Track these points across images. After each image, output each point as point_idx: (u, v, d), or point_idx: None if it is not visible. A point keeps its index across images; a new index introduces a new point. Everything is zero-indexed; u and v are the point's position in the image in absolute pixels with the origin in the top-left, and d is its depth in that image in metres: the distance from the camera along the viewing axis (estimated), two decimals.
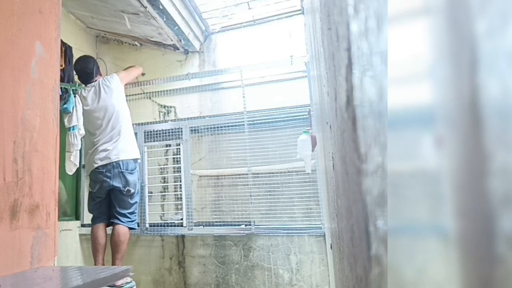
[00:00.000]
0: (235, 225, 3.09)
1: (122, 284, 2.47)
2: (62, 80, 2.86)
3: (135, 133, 3.38)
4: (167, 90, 3.50)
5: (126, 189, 2.75)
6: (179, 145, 3.31)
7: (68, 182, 3.40)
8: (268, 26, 3.41)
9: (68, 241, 3.21)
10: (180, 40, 3.42)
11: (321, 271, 2.87)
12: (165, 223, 3.22)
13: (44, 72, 1.57)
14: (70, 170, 3.13)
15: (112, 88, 2.92)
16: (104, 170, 2.75)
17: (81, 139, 3.24)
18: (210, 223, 3.17)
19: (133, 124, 3.46)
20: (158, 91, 3.49)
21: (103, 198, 2.83)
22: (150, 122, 3.48)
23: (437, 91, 0.33)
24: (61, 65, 2.92)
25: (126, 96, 3.58)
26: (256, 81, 3.26)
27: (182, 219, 3.19)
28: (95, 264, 2.75)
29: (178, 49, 3.55)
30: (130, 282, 2.55)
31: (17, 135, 1.39)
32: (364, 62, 0.39)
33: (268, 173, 3.07)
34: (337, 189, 0.70)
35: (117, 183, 2.73)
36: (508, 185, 0.26)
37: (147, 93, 3.54)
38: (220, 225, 3.12)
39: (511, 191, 0.26)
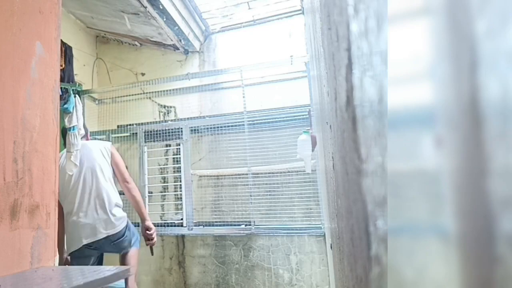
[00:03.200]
0: (235, 225, 3.09)
1: None
2: (62, 80, 2.87)
3: (135, 133, 3.38)
4: (167, 90, 3.50)
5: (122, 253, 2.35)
6: (179, 145, 3.32)
7: None
8: (268, 26, 3.41)
9: None
10: (180, 40, 3.42)
11: (321, 271, 2.87)
12: (165, 223, 3.22)
13: (44, 72, 1.57)
14: (70, 170, 3.13)
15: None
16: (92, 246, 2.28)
17: (81, 139, 3.24)
18: (210, 223, 3.17)
19: (133, 124, 3.47)
20: (158, 91, 3.49)
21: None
22: (150, 122, 3.48)
23: (437, 91, 0.33)
24: (61, 65, 2.93)
25: (126, 96, 3.59)
26: (256, 81, 3.26)
27: (182, 219, 3.19)
28: None
29: (178, 49, 3.55)
30: None
31: (17, 135, 1.39)
32: (364, 62, 0.39)
33: (268, 173, 3.07)
34: (337, 189, 0.70)
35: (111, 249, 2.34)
36: (508, 185, 0.26)
37: (147, 93, 3.54)
38: (220, 225, 3.12)
39: (511, 191, 0.26)
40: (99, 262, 2.42)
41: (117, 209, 2.32)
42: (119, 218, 2.29)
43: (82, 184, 2.35)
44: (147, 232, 2.39)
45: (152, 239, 2.40)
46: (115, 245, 2.29)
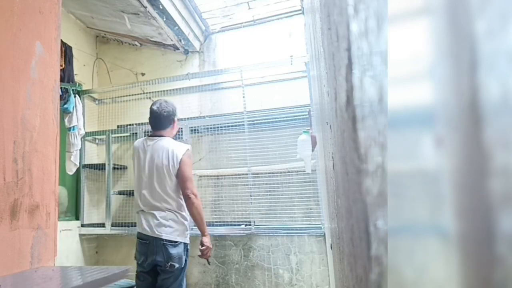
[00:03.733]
0: (235, 225, 3.09)
1: None
2: (62, 80, 2.87)
3: (135, 133, 3.38)
4: (167, 90, 3.50)
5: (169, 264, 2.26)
6: None
7: (68, 182, 3.40)
8: (268, 26, 3.41)
9: (68, 241, 3.21)
10: (180, 40, 3.42)
11: (321, 271, 2.87)
12: None
13: (44, 72, 1.57)
14: (70, 170, 3.14)
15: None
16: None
17: (81, 139, 3.24)
18: (210, 223, 3.17)
19: (133, 124, 3.46)
20: (158, 91, 3.49)
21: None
22: None
23: (437, 91, 0.33)
24: (61, 65, 2.93)
25: (126, 96, 3.58)
26: (256, 81, 3.26)
27: None
28: None
29: (178, 49, 3.55)
30: None
31: (17, 135, 1.39)
32: (364, 62, 0.39)
33: (268, 173, 3.07)
34: (337, 189, 0.70)
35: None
36: (508, 185, 0.26)
37: (147, 93, 3.54)
38: (220, 225, 3.12)
39: (511, 191, 0.26)
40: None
41: None
42: None
43: None
44: (199, 248, 2.43)
45: (205, 254, 2.42)
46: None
